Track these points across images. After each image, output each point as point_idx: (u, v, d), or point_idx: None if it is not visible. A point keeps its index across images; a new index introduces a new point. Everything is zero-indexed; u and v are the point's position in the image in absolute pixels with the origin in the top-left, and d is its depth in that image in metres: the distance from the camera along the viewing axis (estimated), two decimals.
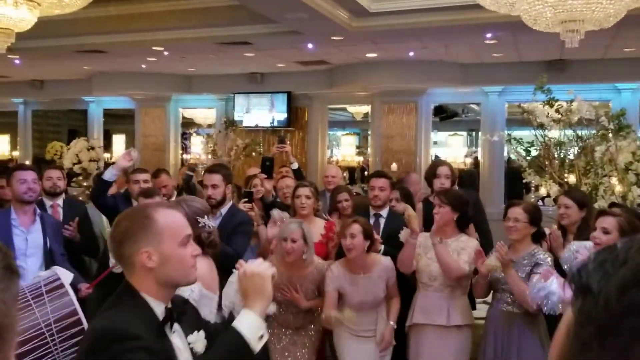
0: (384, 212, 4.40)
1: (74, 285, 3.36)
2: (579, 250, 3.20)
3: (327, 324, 3.69)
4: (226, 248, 3.54)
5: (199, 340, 1.74)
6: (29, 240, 3.76)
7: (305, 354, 3.76)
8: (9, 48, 5.52)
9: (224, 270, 3.60)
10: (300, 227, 3.61)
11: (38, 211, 3.91)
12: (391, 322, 3.78)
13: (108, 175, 4.20)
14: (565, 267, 3.32)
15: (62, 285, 2.94)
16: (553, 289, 2.94)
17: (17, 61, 9.06)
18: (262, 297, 1.66)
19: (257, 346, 1.60)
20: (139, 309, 1.61)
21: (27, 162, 10.73)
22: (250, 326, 1.61)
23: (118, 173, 4.32)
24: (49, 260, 3.70)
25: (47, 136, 12.81)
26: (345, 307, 3.63)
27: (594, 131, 4.63)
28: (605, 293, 0.58)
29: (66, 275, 3.07)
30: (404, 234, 3.77)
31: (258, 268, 1.70)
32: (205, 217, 3.02)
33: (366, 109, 11.03)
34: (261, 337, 1.62)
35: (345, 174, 10.36)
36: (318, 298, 3.79)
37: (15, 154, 12.49)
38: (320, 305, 3.75)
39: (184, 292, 2.29)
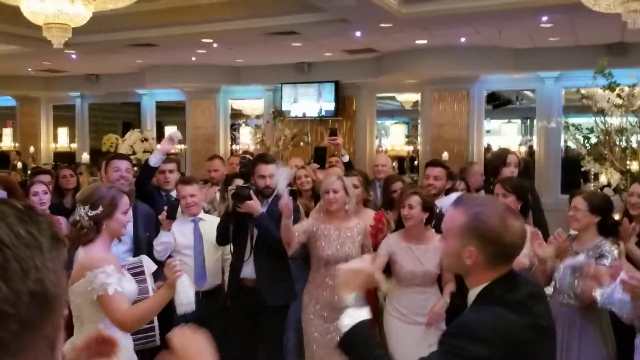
0: (439, 202, 4.26)
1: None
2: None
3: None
4: (273, 230, 3.64)
5: None
6: None
7: None
8: (66, 43, 5.69)
9: (268, 251, 3.67)
10: (341, 179, 3.77)
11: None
12: (445, 299, 3.68)
13: (153, 160, 4.18)
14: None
15: (143, 273, 3.19)
16: (619, 296, 2.68)
17: (73, 56, 9.34)
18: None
19: None
20: None
21: (85, 154, 11.08)
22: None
23: (163, 157, 4.28)
24: (137, 247, 3.81)
25: (103, 128, 13.19)
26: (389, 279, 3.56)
27: None
28: None
29: (150, 266, 3.39)
30: None
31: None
32: None
33: (415, 97, 10.85)
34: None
35: (394, 164, 10.24)
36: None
37: (74, 145, 12.92)
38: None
39: None
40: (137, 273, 3.23)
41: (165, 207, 3.80)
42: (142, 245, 3.85)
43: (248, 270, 3.77)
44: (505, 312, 1.59)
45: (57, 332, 0.68)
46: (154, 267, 3.48)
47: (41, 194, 4.26)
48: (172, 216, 3.77)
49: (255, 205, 3.63)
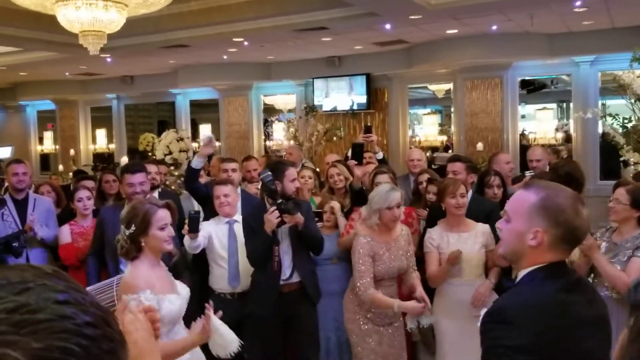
0: None
1: None
2: None
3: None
4: (316, 230, 3.72)
5: None
6: None
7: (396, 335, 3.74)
8: (101, 48, 5.84)
9: (308, 253, 3.71)
10: (400, 192, 3.66)
11: None
12: (491, 280, 3.70)
13: (195, 163, 4.46)
14: None
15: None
16: None
17: (108, 59, 9.55)
18: None
19: None
20: None
21: (124, 157, 11.32)
22: None
23: (204, 160, 4.56)
24: None
25: (139, 128, 13.48)
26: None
27: None
28: None
29: None
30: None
31: None
32: None
33: (448, 85, 10.74)
34: None
35: (428, 154, 10.18)
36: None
37: (112, 146, 13.22)
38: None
39: None
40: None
41: (186, 221, 3.76)
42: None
43: (285, 279, 3.71)
44: (542, 294, 1.57)
45: None
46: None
47: (85, 200, 4.39)
48: (193, 229, 3.75)
49: (299, 217, 3.59)
